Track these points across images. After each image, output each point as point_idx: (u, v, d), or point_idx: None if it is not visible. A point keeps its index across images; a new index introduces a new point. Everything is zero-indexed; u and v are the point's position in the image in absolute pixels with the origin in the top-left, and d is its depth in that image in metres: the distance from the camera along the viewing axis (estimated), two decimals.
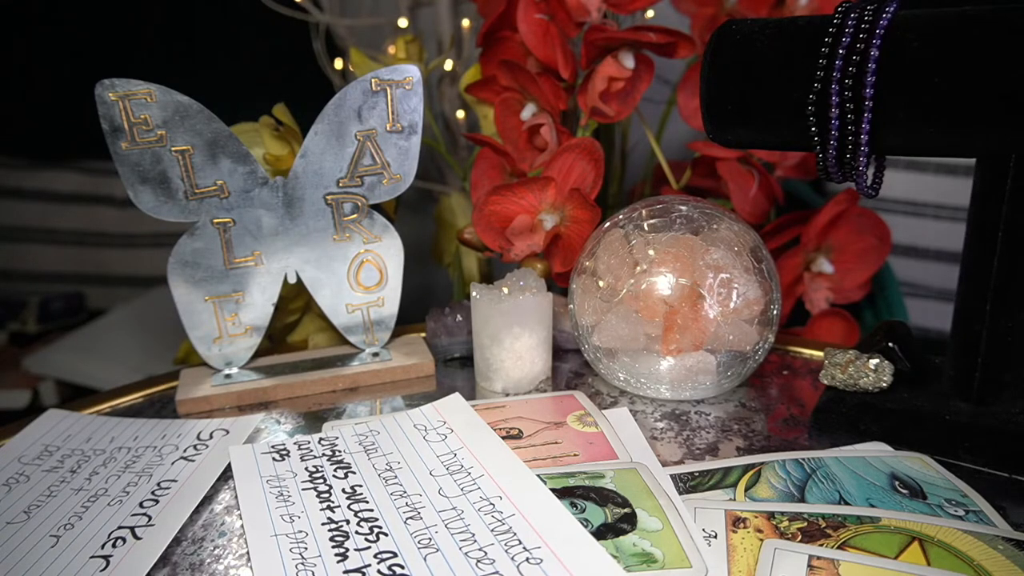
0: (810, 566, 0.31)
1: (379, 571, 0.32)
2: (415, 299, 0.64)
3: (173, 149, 0.46)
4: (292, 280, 0.52)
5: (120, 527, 0.37)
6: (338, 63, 0.83)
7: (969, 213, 0.41)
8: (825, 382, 0.46)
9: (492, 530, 0.34)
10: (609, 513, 0.35)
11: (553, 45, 0.57)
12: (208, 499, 0.40)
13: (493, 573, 0.32)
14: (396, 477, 0.39)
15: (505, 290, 0.50)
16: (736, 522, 0.35)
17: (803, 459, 0.40)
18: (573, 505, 0.36)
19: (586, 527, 0.34)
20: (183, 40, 1.30)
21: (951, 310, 0.43)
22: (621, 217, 0.49)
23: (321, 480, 0.39)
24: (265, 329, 0.52)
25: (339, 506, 0.37)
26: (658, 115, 0.73)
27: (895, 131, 0.39)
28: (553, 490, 0.37)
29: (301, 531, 0.35)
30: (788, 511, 0.35)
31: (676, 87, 0.65)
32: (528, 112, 0.59)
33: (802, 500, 0.36)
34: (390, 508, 0.37)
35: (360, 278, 0.53)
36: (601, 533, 0.34)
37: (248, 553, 0.35)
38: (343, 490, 0.38)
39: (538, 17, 0.57)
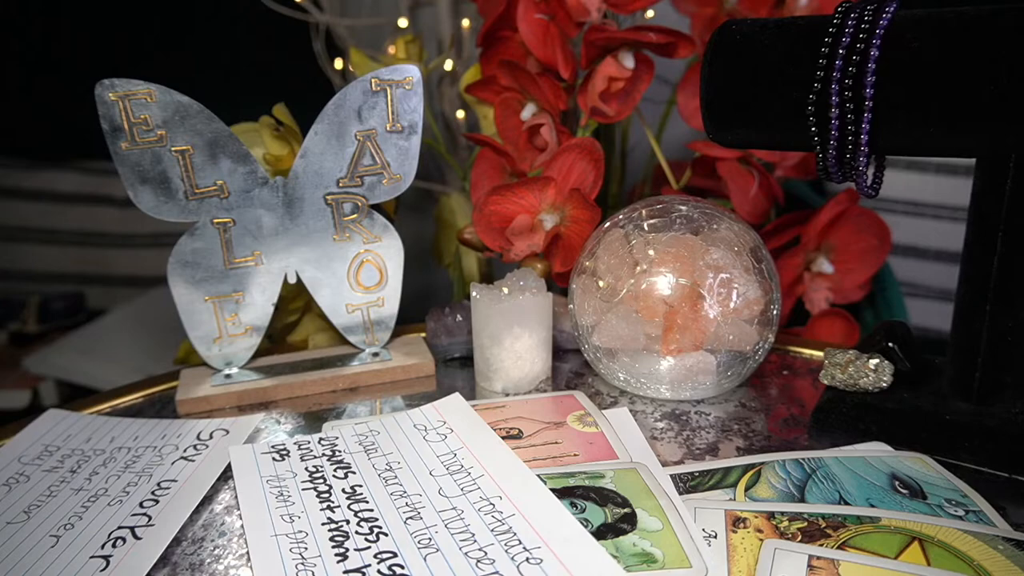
0: (810, 566, 0.31)
1: (379, 571, 0.32)
2: (415, 299, 0.64)
3: (173, 149, 0.46)
4: (292, 280, 0.52)
5: (120, 527, 0.37)
6: (338, 63, 0.83)
7: (969, 213, 0.41)
8: (825, 382, 0.46)
9: (492, 530, 0.34)
10: (609, 513, 0.35)
11: (553, 45, 0.57)
12: (208, 499, 0.40)
13: (493, 573, 0.32)
14: (396, 477, 0.39)
15: (505, 290, 0.50)
16: (736, 522, 0.35)
17: (803, 459, 0.40)
18: (573, 505, 0.36)
19: (586, 527, 0.34)
20: (183, 40, 1.30)
21: (951, 310, 0.43)
22: (621, 217, 0.49)
23: (321, 480, 0.39)
24: (265, 329, 0.52)
25: (339, 506, 0.37)
26: (658, 115, 0.73)
27: (895, 131, 0.39)
28: (553, 490, 0.37)
29: (301, 531, 0.35)
30: (788, 511, 0.35)
31: (676, 87, 0.65)
32: (528, 112, 0.59)
33: (802, 500, 0.36)
34: (390, 508, 0.37)
35: (360, 278, 0.53)
36: (601, 533, 0.34)
37: (248, 553, 0.35)
38: (343, 490, 0.38)
39: (538, 17, 0.57)
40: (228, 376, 0.52)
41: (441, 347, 0.55)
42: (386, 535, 0.35)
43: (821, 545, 0.33)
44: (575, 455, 0.41)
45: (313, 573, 0.32)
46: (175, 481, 0.41)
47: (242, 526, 0.37)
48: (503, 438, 0.42)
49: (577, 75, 0.59)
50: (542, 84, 0.56)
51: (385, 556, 0.33)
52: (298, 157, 0.49)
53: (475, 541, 0.34)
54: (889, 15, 0.37)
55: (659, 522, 0.34)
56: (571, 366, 0.54)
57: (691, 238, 0.46)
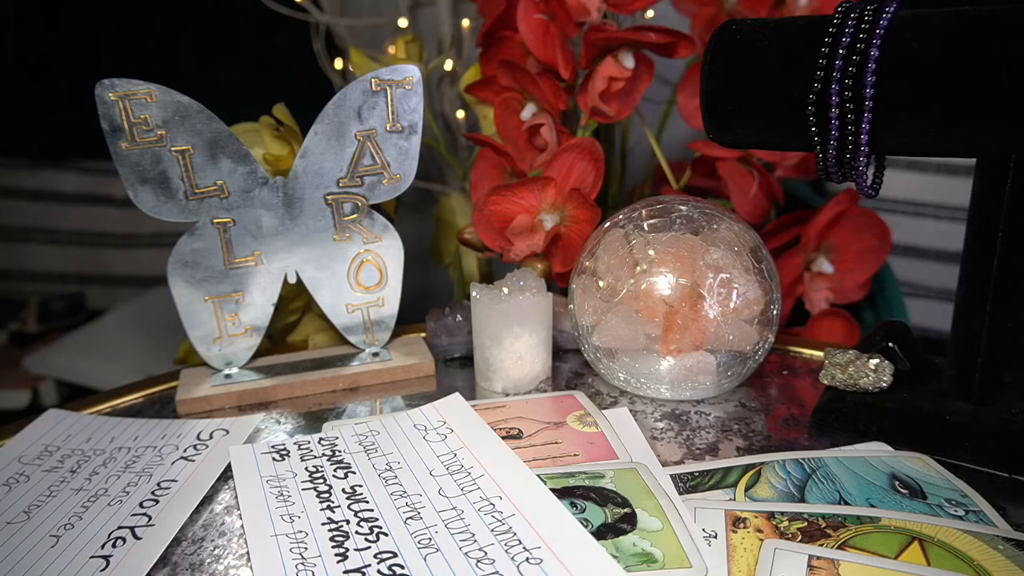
0: (810, 566, 0.31)
1: (379, 571, 0.32)
2: (415, 299, 0.64)
3: (173, 149, 0.46)
4: (292, 280, 0.52)
5: (120, 527, 0.37)
6: (338, 63, 0.83)
7: (969, 213, 0.41)
8: (825, 382, 0.46)
9: (492, 530, 0.34)
10: (609, 513, 0.35)
11: (553, 45, 0.57)
12: (208, 499, 0.40)
13: (493, 573, 0.32)
14: (396, 477, 0.39)
15: (505, 290, 0.50)
16: (736, 522, 0.35)
17: (803, 459, 0.40)
18: (573, 505, 0.36)
19: (586, 527, 0.34)
20: (183, 40, 1.30)
21: (951, 310, 0.43)
22: (621, 217, 0.49)
23: (321, 480, 0.39)
24: (265, 329, 0.52)
25: (339, 506, 0.37)
26: (658, 115, 0.73)
27: (895, 131, 0.39)
28: (553, 490, 0.37)
29: (301, 531, 0.35)
30: (788, 511, 0.35)
31: (676, 87, 0.65)
32: (528, 112, 0.59)
33: (802, 500, 0.36)
34: (390, 508, 0.37)
35: (360, 278, 0.53)
36: (601, 533, 0.34)
37: (248, 553, 0.35)
38: (343, 490, 0.38)
39: (538, 17, 0.57)
40: (228, 376, 0.52)
41: (441, 347, 0.55)
42: (386, 535, 0.35)
43: (821, 545, 0.33)
44: (575, 455, 0.41)
45: (313, 573, 0.32)
46: (175, 481, 0.41)
47: (242, 526, 0.37)
48: (503, 438, 0.42)
49: (577, 75, 0.59)
50: (542, 84, 0.56)
51: (385, 556, 0.33)
52: (298, 157, 0.49)
53: (475, 541, 0.34)
54: (889, 15, 0.37)
55: (659, 522, 0.34)
56: (571, 366, 0.54)
57: (691, 238, 0.46)
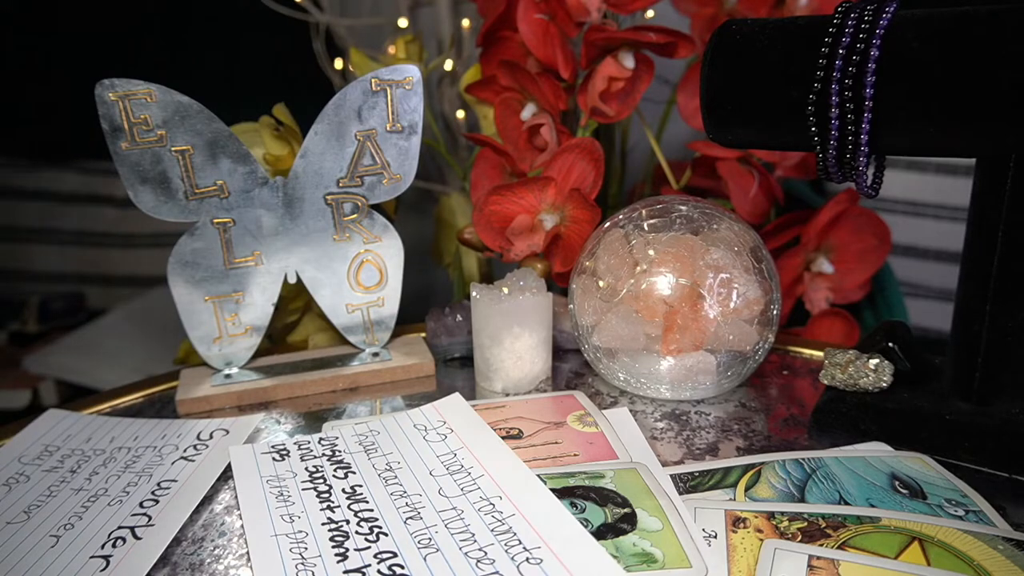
0: (810, 566, 0.31)
1: (379, 571, 0.32)
2: (415, 299, 0.64)
3: (173, 149, 0.46)
4: (292, 280, 0.52)
5: (120, 527, 0.37)
6: (338, 63, 0.83)
7: (969, 213, 0.41)
8: (825, 382, 0.46)
9: (492, 530, 0.34)
10: (609, 513, 0.35)
11: (553, 45, 0.57)
12: (208, 499, 0.40)
13: (493, 573, 0.32)
14: (396, 477, 0.39)
15: (505, 290, 0.50)
16: (736, 522, 0.35)
17: (803, 459, 0.40)
18: (573, 505, 0.36)
19: (586, 527, 0.34)
20: (183, 40, 1.30)
21: (951, 310, 0.43)
22: (621, 217, 0.49)
23: (321, 480, 0.39)
24: (265, 329, 0.52)
25: (339, 506, 0.37)
26: (658, 115, 0.73)
27: (895, 131, 0.39)
28: (553, 490, 0.37)
29: (301, 531, 0.35)
30: (788, 511, 0.35)
31: (676, 87, 0.65)
32: (528, 112, 0.59)
33: (802, 500, 0.36)
34: (390, 508, 0.37)
35: (360, 278, 0.53)
36: (601, 533, 0.34)
37: (248, 553, 0.35)
38: (343, 490, 0.38)
39: (538, 17, 0.57)
40: (228, 376, 0.52)
41: (441, 347, 0.55)
42: (386, 535, 0.35)
43: (821, 545, 0.33)
44: (575, 455, 0.41)
45: (313, 573, 0.32)
46: (175, 481, 0.41)
47: (242, 526, 0.37)
48: (503, 438, 0.42)
49: (577, 75, 0.59)
50: (542, 84, 0.56)
51: (385, 556, 0.33)
52: (298, 157, 0.49)
53: (475, 541, 0.34)
54: (889, 15, 0.37)
55: (659, 522, 0.34)
56: (571, 366, 0.54)
57: (691, 238, 0.46)
